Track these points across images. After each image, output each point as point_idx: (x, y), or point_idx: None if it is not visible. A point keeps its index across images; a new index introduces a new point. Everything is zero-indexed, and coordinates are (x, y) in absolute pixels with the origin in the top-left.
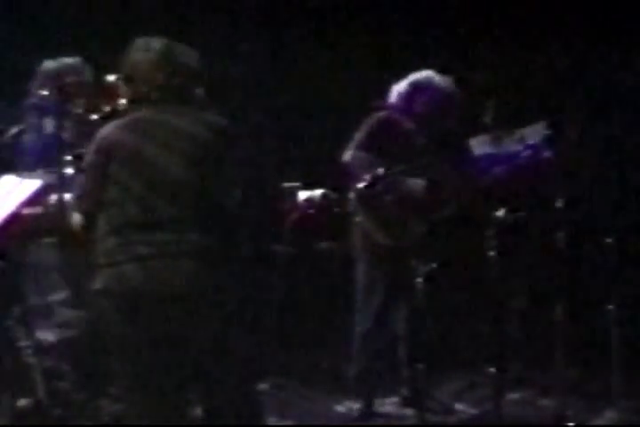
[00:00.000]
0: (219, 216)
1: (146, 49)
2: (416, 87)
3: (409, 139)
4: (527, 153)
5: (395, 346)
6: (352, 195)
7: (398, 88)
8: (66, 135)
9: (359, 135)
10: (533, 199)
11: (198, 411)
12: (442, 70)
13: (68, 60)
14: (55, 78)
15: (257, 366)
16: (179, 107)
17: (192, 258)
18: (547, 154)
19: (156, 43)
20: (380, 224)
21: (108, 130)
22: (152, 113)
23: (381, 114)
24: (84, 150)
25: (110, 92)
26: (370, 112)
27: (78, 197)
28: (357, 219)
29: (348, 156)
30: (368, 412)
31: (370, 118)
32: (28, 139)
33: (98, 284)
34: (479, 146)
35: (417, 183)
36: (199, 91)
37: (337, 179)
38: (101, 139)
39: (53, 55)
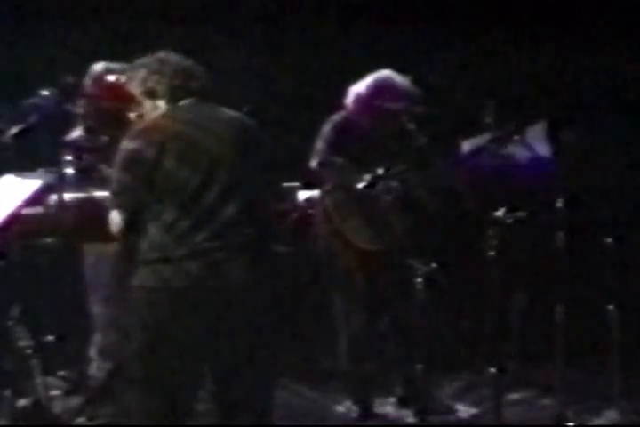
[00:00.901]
0: (257, 213)
1: (145, 64)
2: (376, 86)
3: (367, 139)
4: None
5: (388, 346)
6: (324, 198)
7: (357, 88)
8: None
9: (320, 142)
10: (533, 199)
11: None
12: (441, 70)
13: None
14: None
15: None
16: (206, 105)
17: (246, 252)
18: (546, 154)
19: (152, 57)
20: (360, 227)
21: (158, 123)
22: (189, 111)
23: (337, 116)
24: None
25: (111, 93)
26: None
27: (117, 195)
28: (336, 223)
29: (314, 163)
30: (367, 412)
31: (327, 122)
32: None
33: (149, 280)
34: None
35: (423, 191)
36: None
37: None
38: (151, 132)
39: (53, 55)
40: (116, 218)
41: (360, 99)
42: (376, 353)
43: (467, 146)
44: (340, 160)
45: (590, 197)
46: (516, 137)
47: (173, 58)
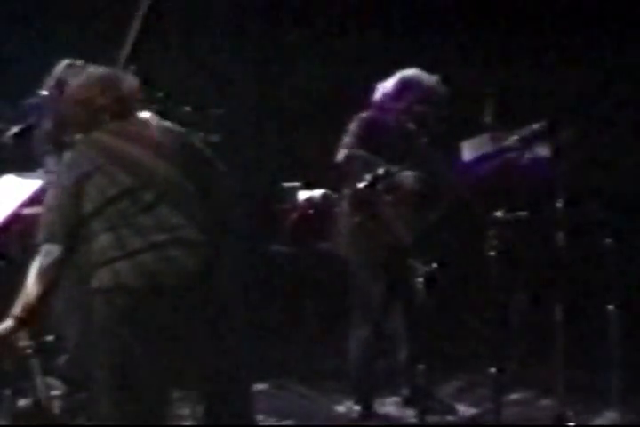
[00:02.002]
0: (210, 215)
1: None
2: (404, 84)
3: (393, 138)
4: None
5: (394, 346)
6: (348, 195)
7: (385, 85)
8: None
9: (347, 138)
10: (533, 199)
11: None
12: (442, 70)
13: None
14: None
15: (252, 366)
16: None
17: (192, 251)
18: (546, 154)
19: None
20: (381, 223)
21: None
22: (118, 127)
23: (364, 114)
24: None
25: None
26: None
27: (53, 226)
28: (356, 219)
29: (341, 155)
30: (368, 412)
31: (354, 120)
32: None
33: (102, 281)
34: (476, 147)
35: (407, 176)
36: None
37: (337, 179)
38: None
39: (53, 55)
40: (49, 251)
41: (386, 95)
42: (384, 354)
43: (466, 147)
44: (364, 153)
45: (590, 197)
46: (515, 137)
47: (120, 75)
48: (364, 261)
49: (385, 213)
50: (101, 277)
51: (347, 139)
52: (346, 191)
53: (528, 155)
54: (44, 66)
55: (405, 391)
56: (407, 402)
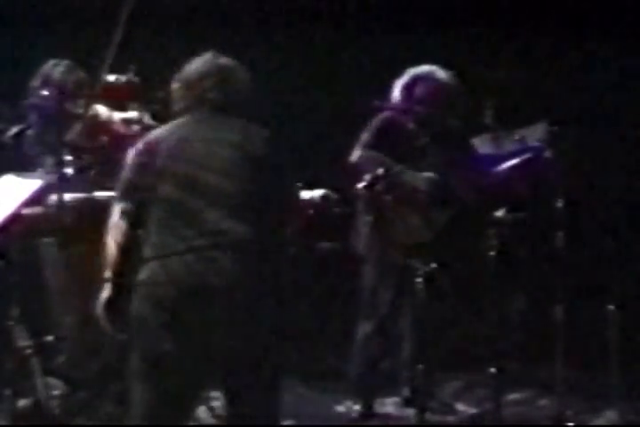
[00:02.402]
0: (266, 214)
1: (205, 64)
2: (417, 79)
3: (411, 139)
4: (527, 154)
5: (397, 346)
6: (362, 194)
7: (400, 81)
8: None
9: (365, 136)
10: (533, 199)
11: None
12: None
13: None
14: (55, 79)
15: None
16: (224, 117)
17: (235, 252)
18: (547, 154)
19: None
20: (393, 222)
21: (155, 133)
22: (199, 119)
23: (385, 114)
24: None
25: (111, 93)
26: (371, 113)
27: (120, 191)
28: (367, 218)
29: (355, 155)
30: (368, 412)
31: (374, 119)
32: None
33: (149, 274)
34: (480, 146)
35: (420, 177)
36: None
37: (337, 179)
38: (149, 140)
39: (53, 56)
40: (115, 212)
41: (401, 90)
42: (386, 354)
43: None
44: (379, 155)
45: (590, 197)
46: (515, 137)
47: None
48: (379, 260)
49: (400, 212)
50: (149, 271)
51: (363, 139)
52: (360, 189)
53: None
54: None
55: (405, 391)
56: (407, 402)
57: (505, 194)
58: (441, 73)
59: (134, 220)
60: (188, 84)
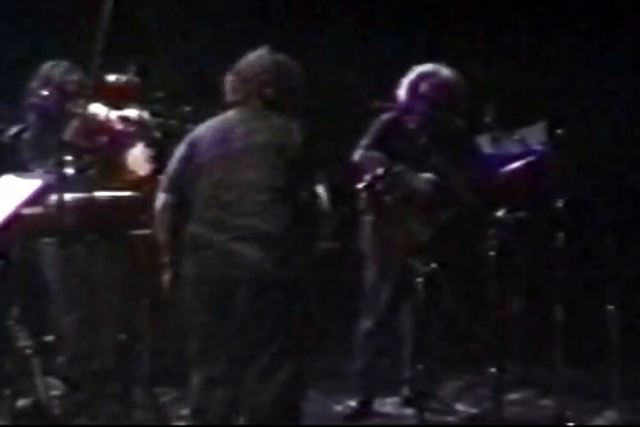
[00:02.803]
0: (294, 210)
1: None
2: (422, 76)
3: (413, 139)
4: (531, 157)
5: (397, 346)
6: (363, 193)
7: (405, 79)
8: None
9: (368, 136)
10: (533, 199)
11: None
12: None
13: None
14: (55, 80)
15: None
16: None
17: (257, 244)
18: (547, 154)
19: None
20: (394, 223)
21: (201, 126)
22: (240, 114)
23: (388, 115)
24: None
25: (111, 93)
26: (372, 113)
27: (166, 179)
28: (368, 218)
29: (358, 155)
30: (366, 410)
31: (378, 119)
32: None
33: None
34: (482, 146)
35: (421, 179)
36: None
37: (340, 178)
38: (194, 133)
39: (53, 56)
40: (160, 198)
41: (407, 88)
42: (386, 353)
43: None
44: (379, 155)
45: (590, 196)
46: (515, 137)
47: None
48: (380, 259)
49: (400, 212)
50: (186, 261)
51: (367, 137)
52: (362, 188)
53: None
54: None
55: (405, 391)
56: (407, 402)
57: (506, 196)
58: (446, 71)
59: (176, 210)
60: (245, 78)
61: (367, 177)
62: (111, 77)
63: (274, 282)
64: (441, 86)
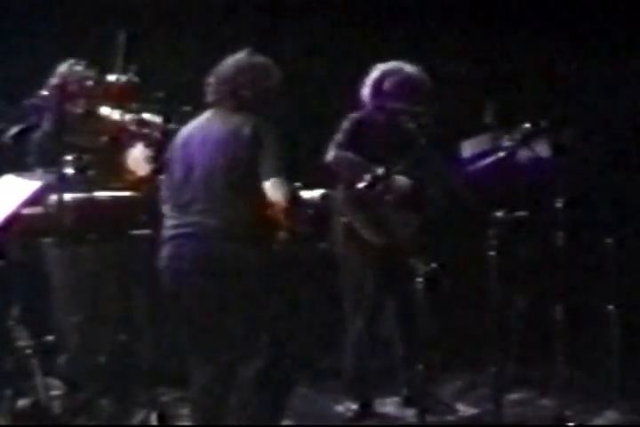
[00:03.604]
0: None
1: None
2: (385, 74)
3: (383, 137)
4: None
5: (388, 346)
6: (337, 195)
7: (369, 77)
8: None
9: (338, 136)
10: (533, 199)
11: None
12: (441, 70)
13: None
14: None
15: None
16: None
17: (207, 239)
18: (546, 155)
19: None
20: (369, 224)
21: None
22: (209, 116)
23: (356, 114)
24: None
25: (111, 93)
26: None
27: None
28: (344, 219)
29: (330, 156)
30: (367, 412)
31: (346, 119)
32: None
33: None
34: (476, 146)
35: (402, 181)
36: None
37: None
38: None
39: (53, 55)
40: None
41: (370, 87)
42: (380, 353)
43: (467, 146)
44: (352, 156)
45: (590, 196)
46: (515, 136)
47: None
48: (357, 261)
49: (372, 213)
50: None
51: (336, 139)
52: (337, 191)
53: (528, 154)
54: (44, 66)
55: (405, 391)
56: (407, 402)
57: (478, 194)
58: (409, 68)
59: None
60: (222, 80)
61: (367, 177)
62: (111, 77)
63: (225, 276)
64: (405, 83)
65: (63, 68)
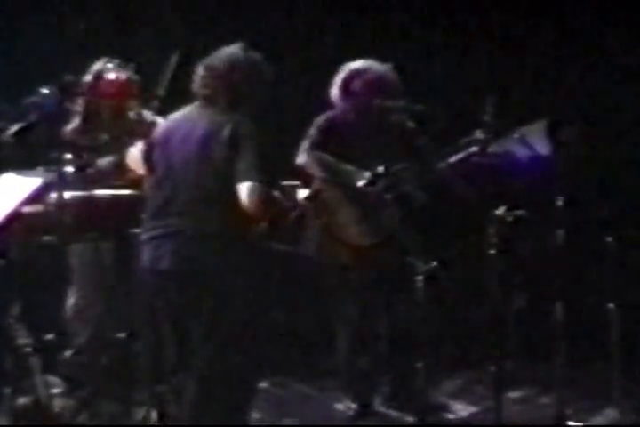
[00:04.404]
0: (222, 205)
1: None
2: (354, 73)
3: (355, 135)
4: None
5: (381, 347)
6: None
7: (337, 77)
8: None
9: (309, 138)
10: (533, 198)
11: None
12: (442, 70)
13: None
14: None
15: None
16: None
17: (182, 240)
18: (546, 153)
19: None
20: (349, 222)
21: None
22: (192, 111)
23: (325, 115)
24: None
25: (111, 92)
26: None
27: None
28: (318, 220)
29: (302, 158)
30: (366, 411)
31: (316, 119)
32: None
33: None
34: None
35: (419, 195)
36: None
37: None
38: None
39: (53, 54)
40: None
41: (338, 85)
42: (374, 351)
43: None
44: (325, 156)
45: (590, 196)
46: (515, 135)
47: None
48: (331, 262)
49: (343, 213)
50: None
51: (306, 141)
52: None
53: (527, 152)
54: (43, 65)
55: (386, 389)
56: (406, 402)
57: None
58: (377, 66)
59: None
60: (216, 74)
61: (367, 175)
62: (111, 75)
63: (203, 277)
64: (373, 82)
65: (97, 66)
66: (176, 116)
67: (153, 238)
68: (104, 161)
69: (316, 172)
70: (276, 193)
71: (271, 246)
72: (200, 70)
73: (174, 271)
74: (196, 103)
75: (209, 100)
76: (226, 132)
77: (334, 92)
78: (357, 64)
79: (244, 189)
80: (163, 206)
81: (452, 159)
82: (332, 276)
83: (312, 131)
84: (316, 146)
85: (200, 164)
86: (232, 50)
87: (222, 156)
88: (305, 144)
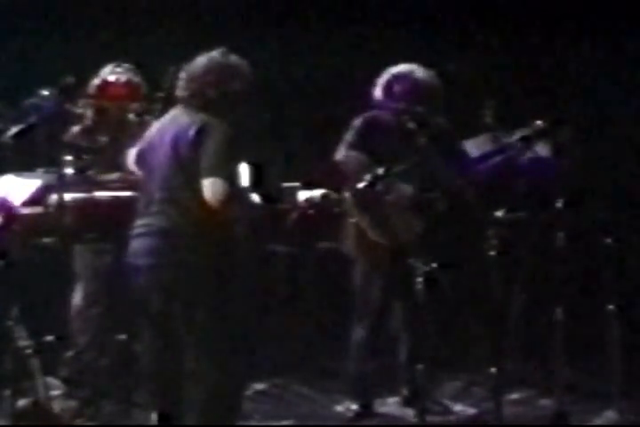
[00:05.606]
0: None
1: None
2: (396, 77)
3: (394, 138)
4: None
5: (394, 346)
6: (347, 194)
7: (380, 80)
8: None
9: (348, 136)
10: (533, 199)
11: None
12: (441, 69)
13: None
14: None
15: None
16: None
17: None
18: (547, 154)
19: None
20: (377, 224)
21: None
22: (169, 115)
23: (368, 114)
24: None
25: (111, 92)
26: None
27: None
28: (353, 219)
29: (340, 155)
30: (367, 412)
31: (357, 119)
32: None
33: None
34: (479, 146)
35: (405, 188)
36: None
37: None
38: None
39: (54, 55)
40: None
41: (381, 89)
42: (383, 353)
43: (471, 146)
44: (361, 156)
45: (590, 197)
46: (515, 136)
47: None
48: (366, 262)
49: (380, 213)
50: None
51: (347, 138)
52: (347, 191)
53: (528, 154)
54: (44, 66)
55: (405, 391)
56: (407, 402)
57: (482, 193)
58: (420, 71)
59: None
60: (191, 77)
61: (368, 176)
62: (111, 77)
63: (176, 274)
64: (415, 87)
65: (106, 69)
66: (162, 119)
67: (135, 236)
68: (112, 177)
69: (349, 170)
70: (239, 190)
71: (267, 248)
72: (182, 74)
73: (147, 266)
74: (177, 107)
75: (186, 103)
76: (191, 132)
77: (377, 93)
78: (400, 68)
79: (207, 185)
80: (145, 207)
81: (490, 163)
82: (363, 274)
83: (352, 128)
84: (355, 145)
85: (171, 165)
86: (211, 54)
87: (189, 155)
88: (344, 141)
